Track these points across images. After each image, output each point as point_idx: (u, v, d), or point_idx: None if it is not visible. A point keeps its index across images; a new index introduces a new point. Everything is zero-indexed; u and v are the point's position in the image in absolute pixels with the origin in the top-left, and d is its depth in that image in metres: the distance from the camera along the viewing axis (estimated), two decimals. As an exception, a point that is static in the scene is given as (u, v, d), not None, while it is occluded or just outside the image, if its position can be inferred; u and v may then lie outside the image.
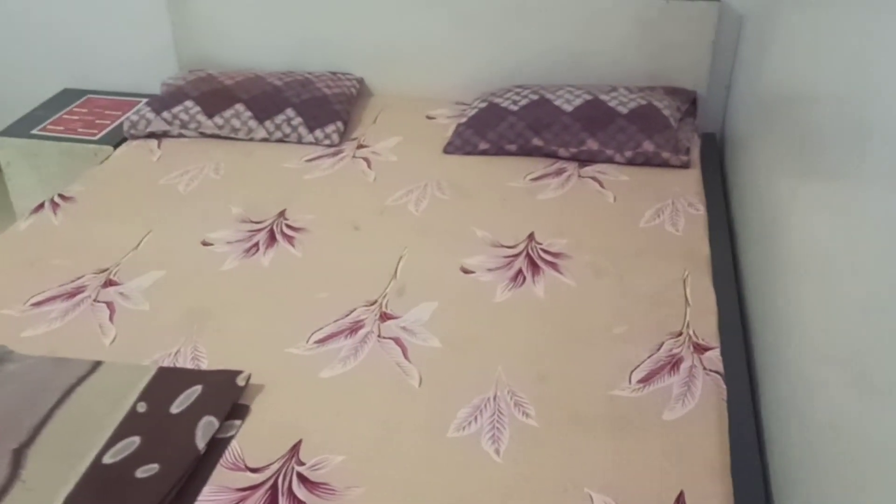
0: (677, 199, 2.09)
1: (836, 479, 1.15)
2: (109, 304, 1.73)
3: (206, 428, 1.39)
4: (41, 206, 2.07)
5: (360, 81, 2.62)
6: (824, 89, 1.60)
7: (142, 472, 1.32)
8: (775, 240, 1.77)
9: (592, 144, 2.23)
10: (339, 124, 2.38)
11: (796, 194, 1.67)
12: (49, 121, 2.66)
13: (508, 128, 2.28)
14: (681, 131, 2.30)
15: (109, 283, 1.79)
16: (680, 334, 1.64)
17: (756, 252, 1.90)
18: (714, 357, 1.58)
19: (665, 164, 2.22)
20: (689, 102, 2.43)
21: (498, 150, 2.28)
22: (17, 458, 1.35)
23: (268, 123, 2.36)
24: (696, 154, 2.30)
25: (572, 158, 2.26)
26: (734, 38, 2.44)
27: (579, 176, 2.19)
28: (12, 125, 2.64)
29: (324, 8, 2.57)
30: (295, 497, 1.30)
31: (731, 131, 2.47)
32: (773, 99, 2.05)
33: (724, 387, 1.52)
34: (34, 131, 2.59)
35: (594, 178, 2.18)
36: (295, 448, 1.39)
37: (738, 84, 2.42)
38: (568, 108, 2.29)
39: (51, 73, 2.92)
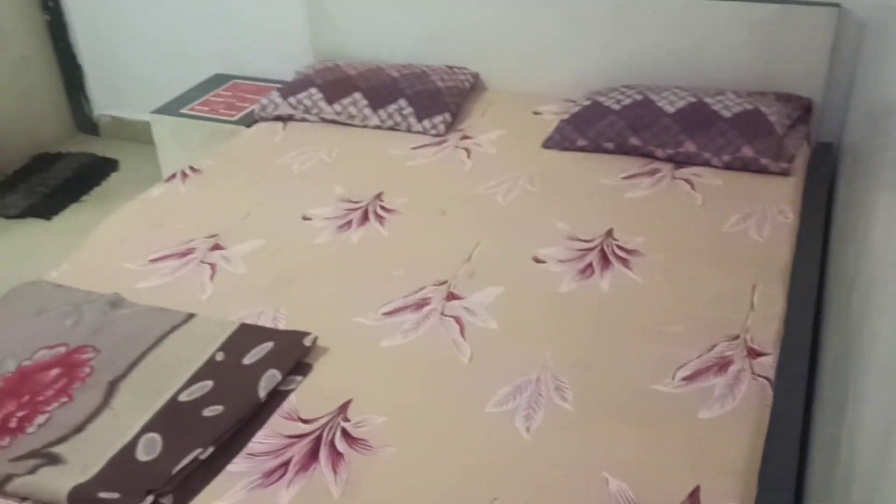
0: (769, 206, 2.06)
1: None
2: (212, 266, 1.93)
3: (269, 379, 1.55)
4: (173, 176, 2.32)
5: (475, 76, 2.73)
6: None
7: (208, 411, 1.50)
8: (859, 254, 1.73)
9: (690, 146, 2.23)
10: (447, 115, 2.50)
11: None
12: (197, 101, 2.95)
13: (608, 126, 2.32)
14: (788, 138, 2.25)
15: (216, 247, 2.00)
16: (736, 338, 1.64)
17: (839, 265, 1.85)
18: (766, 363, 1.57)
19: (764, 171, 2.19)
20: (803, 110, 2.37)
21: (596, 148, 2.33)
22: (111, 388, 1.57)
23: (381, 112, 2.52)
24: (801, 162, 2.24)
25: (668, 160, 2.27)
26: (855, 46, 2.35)
27: (672, 177, 2.20)
28: (166, 104, 2.95)
29: (446, 5, 2.70)
30: (334, 448, 1.43)
31: (848, 142, 2.38)
32: (891, 110, 1.97)
33: (771, 392, 1.52)
34: (183, 111, 2.89)
35: (687, 180, 2.18)
36: (344, 406, 1.52)
37: (858, 93, 2.34)
38: (670, 109, 2.30)
39: (205, 59, 3.22)
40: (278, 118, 2.63)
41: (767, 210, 2.04)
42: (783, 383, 1.56)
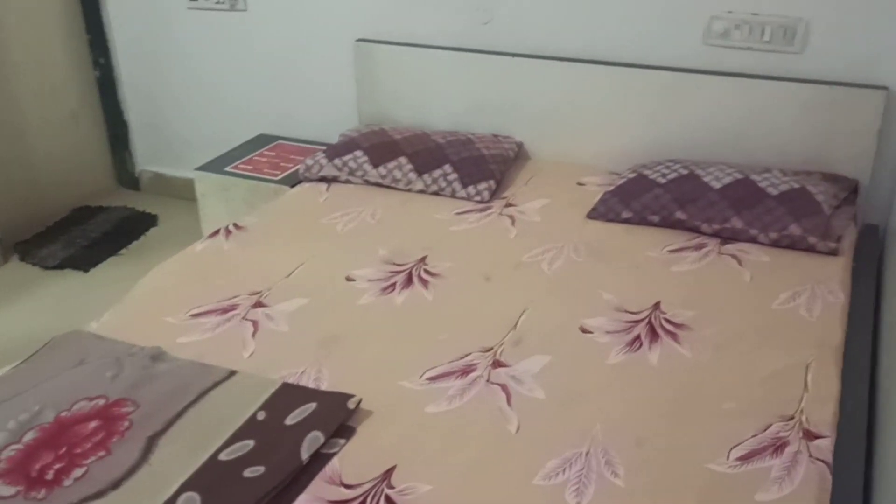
0: (818, 285, 2.02)
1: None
2: (255, 323, 1.92)
3: (312, 441, 1.52)
4: (217, 232, 2.33)
5: (520, 145, 2.75)
6: None
7: (249, 472, 1.46)
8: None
9: (737, 222, 2.21)
10: (492, 182, 2.51)
11: None
12: (241, 160, 2.98)
13: (653, 199, 2.31)
14: (835, 219, 2.23)
15: (259, 304, 1.99)
16: (791, 418, 1.59)
17: (891, 347, 1.81)
18: (824, 446, 1.52)
19: (811, 250, 2.16)
20: (849, 191, 2.35)
21: (640, 220, 2.32)
22: (150, 444, 1.54)
23: (426, 177, 2.53)
24: (848, 243, 2.22)
25: (714, 235, 2.25)
26: (904, 129, 2.35)
27: (719, 252, 2.18)
28: (210, 162, 2.98)
29: (492, 75, 2.74)
30: (378, 515, 1.39)
31: (894, 225, 2.36)
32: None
33: (830, 477, 1.46)
34: (227, 168, 2.92)
35: (734, 256, 2.16)
36: (388, 472, 1.48)
37: (907, 175, 2.33)
38: (716, 185, 2.29)
39: (250, 119, 3.27)
40: (323, 179, 2.65)
41: (817, 289, 2.01)
42: (841, 467, 1.50)
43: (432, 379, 1.72)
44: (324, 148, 2.85)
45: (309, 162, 2.66)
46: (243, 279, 2.09)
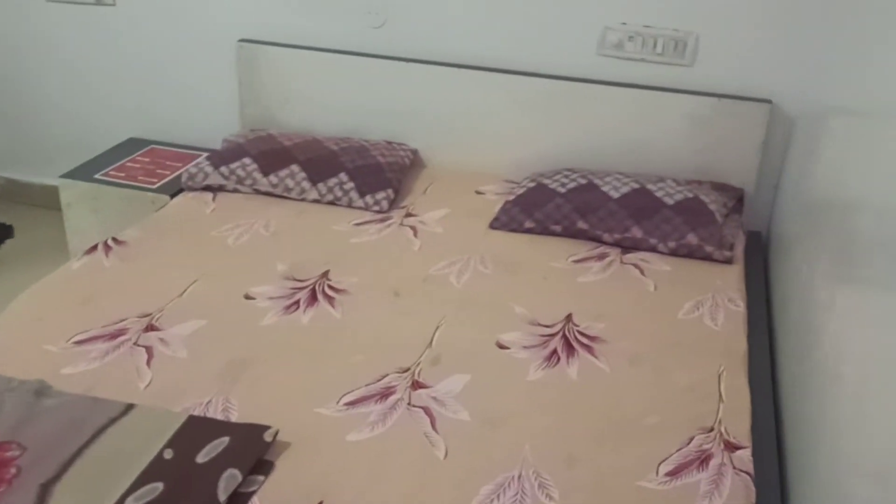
0: (718, 293, 2.08)
1: None
2: (148, 349, 1.76)
3: (228, 481, 1.40)
4: (94, 247, 2.13)
5: (415, 153, 2.69)
6: (869, 200, 1.61)
7: (162, 519, 1.33)
8: (811, 346, 1.76)
9: (637, 232, 2.24)
10: (390, 192, 2.43)
11: (834, 302, 1.67)
12: (112, 167, 2.76)
13: (555, 209, 2.31)
14: (726, 227, 2.30)
15: (151, 327, 1.83)
16: (711, 430, 1.61)
17: (792, 355, 1.88)
18: (745, 457, 1.55)
19: (708, 258, 2.22)
20: (736, 199, 2.44)
21: (543, 230, 2.31)
22: (44, 493, 1.37)
23: (321, 186, 2.43)
24: (739, 251, 2.29)
25: (616, 244, 2.27)
26: (785, 140, 2.45)
27: (622, 262, 2.20)
28: (76, 169, 2.74)
29: (384, 80, 2.66)
30: (310, 559, 1.29)
31: (776, 231, 2.47)
32: (818, 203, 2.06)
33: (754, 489, 1.49)
34: (97, 176, 2.69)
35: (636, 266, 2.19)
36: (315, 509, 1.39)
37: (786, 185, 2.43)
38: (615, 194, 2.31)
39: (119, 122, 3.04)
40: (208, 188, 2.49)
41: (717, 298, 2.06)
42: (760, 477, 1.54)
43: (350, 404, 1.63)
44: (205, 154, 2.69)
45: (192, 170, 2.49)
46: (131, 300, 1.92)
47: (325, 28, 2.70)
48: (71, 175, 2.71)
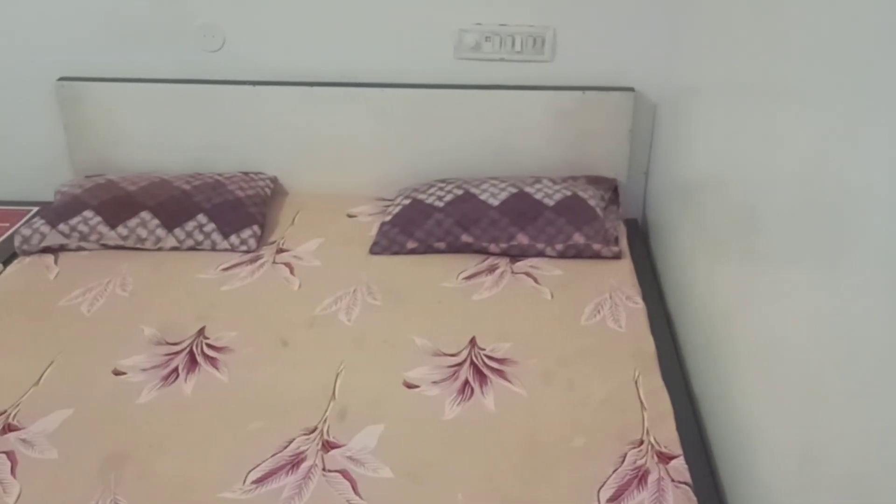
0: (614, 292, 2.04)
1: None
2: (10, 454, 1.52)
3: None
4: (-78, 339, 1.84)
5: (274, 180, 2.50)
6: (730, 175, 1.64)
7: None
8: (713, 333, 1.76)
9: (522, 239, 2.17)
10: (256, 228, 2.25)
11: (723, 282, 1.69)
12: (-74, 235, 2.42)
13: (436, 225, 2.20)
14: (607, 220, 2.27)
15: (9, 427, 1.58)
16: (641, 443, 1.56)
17: (698, 346, 1.87)
18: (680, 466, 1.51)
19: (596, 256, 2.18)
20: (612, 190, 2.42)
21: (426, 249, 2.20)
22: None
23: (178, 231, 2.20)
24: (624, 244, 2.27)
25: (503, 254, 2.19)
26: (649, 125, 2.46)
27: (512, 272, 2.12)
28: None
29: (231, 106, 2.46)
30: None
31: (652, 217, 2.47)
32: (687, 185, 2.07)
33: (695, 498, 1.45)
34: None
35: (528, 274, 2.11)
36: None
37: (656, 170, 2.44)
38: (494, 202, 2.23)
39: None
40: (47, 250, 2.21)
41: (614, 296, 2.02)
42: (699, 485, 1.50)
43: (259, 481, 1.46)
44: (38, 209, 2.40)
45: (25, 231, 2.20)
46: (-23, 398, 1.66)
47: (156, 57, 2.45)
48: None
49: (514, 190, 2.27)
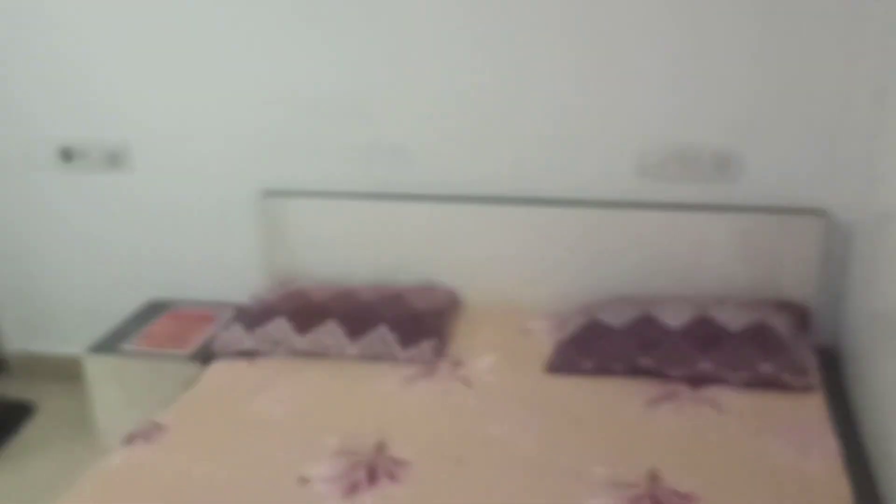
0: (806, 431, 1.91)
1: None
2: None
3: None
4: (133, 437, 1.98)
5: (453, 294, 2.56)
6: None
7: None
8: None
9: (705, 366, 2.09)
10: (435, 340, 2.30)
11: None
12: (137, 334, 2.63)
13: (613, 346, 2.17)
14: (797, 349, 2.15)
15: (203, 530, 1.67)
16: None
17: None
18: None
19: (786, 388, 2.07)
20: (802, 316, 2.30)
21: (602, 370, 2.16)
22: None
23: (361, 341, 2.29)
24: (816, 375, 2.14)
25: (683, 379, 2.12)
26: (844, 252, 2.34)
27: (694, 400, 2.04)
28: (101, 342, 2.62)
29: (415, 221, 2.57)
30: None
31: (848, 347, 2.32)
32: (893, 314, 1.93)
33: None
34: (124, 345, 2.57)
35: (711, 403, 2.03)
36: None
37: (853, 296, 2.31)
38: (675, 324, 2.18)
39: (136, 284, 2.93)
40: (242, 354, 2.35)
41: (806, 436, 1.89)
42: None
43: None
44: (235, 314, 2.57)
45: (225, 336, 2.36)
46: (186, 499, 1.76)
47: (347, 173, 2.62)
48: (96, 349, 2.58)
49: (696, 313, 2.21)
